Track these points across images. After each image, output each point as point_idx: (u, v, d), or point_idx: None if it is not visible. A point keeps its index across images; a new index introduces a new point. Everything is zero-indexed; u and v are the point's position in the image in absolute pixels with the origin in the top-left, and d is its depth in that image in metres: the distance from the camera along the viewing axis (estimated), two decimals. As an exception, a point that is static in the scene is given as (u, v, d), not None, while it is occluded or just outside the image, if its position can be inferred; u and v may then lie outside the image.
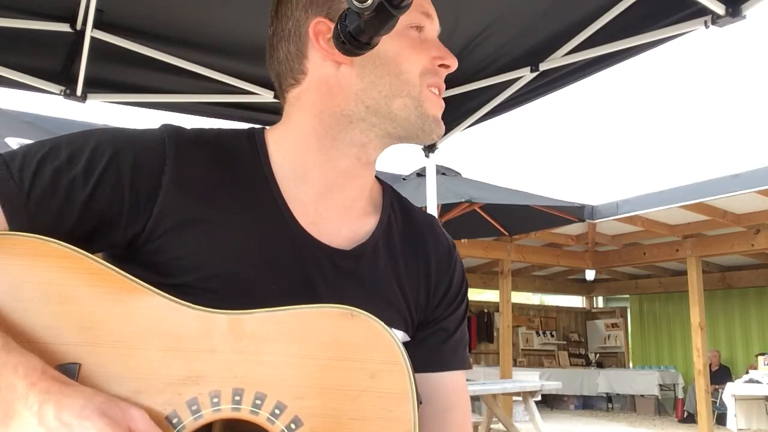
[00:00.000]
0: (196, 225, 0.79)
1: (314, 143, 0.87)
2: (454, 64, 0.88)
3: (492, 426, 7.07)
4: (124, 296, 0.70)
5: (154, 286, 0.71)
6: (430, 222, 1.01)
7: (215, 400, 0.68)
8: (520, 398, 7.33)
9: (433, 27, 0.89)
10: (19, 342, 0.67)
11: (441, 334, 0.95)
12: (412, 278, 0.93)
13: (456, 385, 0.95)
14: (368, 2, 0.64)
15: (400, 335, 0.89)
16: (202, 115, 3.17)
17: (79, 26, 2.49)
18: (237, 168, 0.85)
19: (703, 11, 2.28)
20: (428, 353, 0.93)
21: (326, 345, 0.71)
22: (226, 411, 0.68)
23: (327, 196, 0.88)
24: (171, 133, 0.83)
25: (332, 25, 0.81)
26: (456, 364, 0.96)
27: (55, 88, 2.83)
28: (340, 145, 0.86)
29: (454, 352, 0.96)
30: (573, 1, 2.45)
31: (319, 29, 0.84)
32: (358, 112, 0.85)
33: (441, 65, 0.87)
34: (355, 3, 0.65)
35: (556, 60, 2.71)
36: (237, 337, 0.70)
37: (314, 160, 0.87)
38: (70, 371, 0.67)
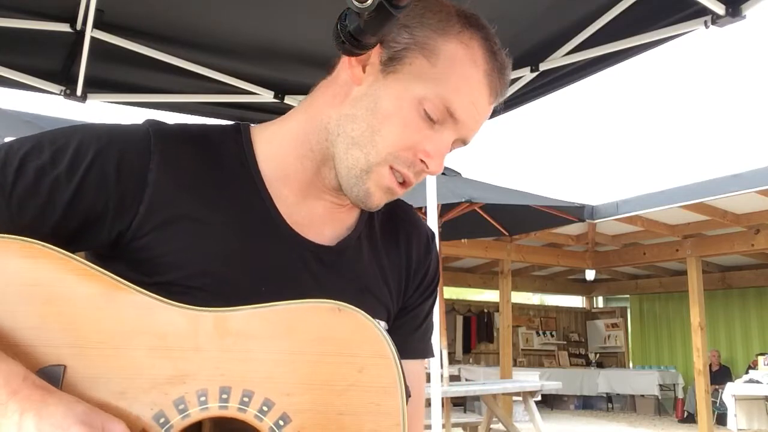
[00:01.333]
0: (183, 222, 0.78)
1: (296, 148, 0.87)
2: (434, 170, 0.82)
3: (492, 426, 7.07)
4: (109, 296, 0.70)
5: (140, 285, 0.71)
6: (410, 211, 1.02)
7: (202, 398, 0.68)
8: (520, 398, 7.33)
9: (452, 130, 0.82)
10: (4, 344, 0.66)
11: (412, 323, 0.97)
12: (393, 268, 0.94)
13: (415, 374, 0.95)
14: (368, 2, 0.64)
15: (382, 325, 0.90)
16: (202, 115, 3.17)
17: (79, 26, 2.49)
18: (223, 164, 0.85)
19: (703, 11, 2.28)
20: (399, 341, 0.93)
21: (313, 340, 0.71)
22: (214, 409, 0.68)
23: (306, 200, 0.88)
24: (155, 129, 0.82)
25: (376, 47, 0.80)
26: (421, 353, 0.97)
27: (55, 88, 2.83)
28: (314, 158, 0.86)
29: (421, 340, 0.98)
30: (573, 1, 2.45)
31: None
32: (332, 133, 0.84)
33: (422, 160, 0.81)
34: (355, 3, 0.65)
35: (556, 60, 2.71)
36: (223, 335, 0.70)
37: (293, 165, 0.87)
38: (55, 373, 0.67)
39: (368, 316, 0.72)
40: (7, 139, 0.78)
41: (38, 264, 0.69)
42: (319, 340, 0.71)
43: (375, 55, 0.81)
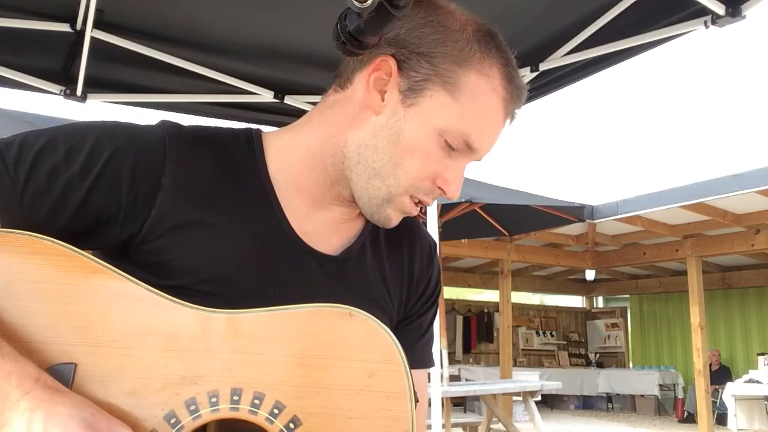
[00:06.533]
0: (194, 227, 0.79)
1: (310, 163, 0.87)
2: (452, 195, 0.85)
3: (492, 426, 7.07)
4: (121, 295, 0.70)
5: (150, 286, 0.71)
6: (414, 220, 1.02)
7: (213, 399, 0.68)
8: (520, 398, 7.34)
9: (468, 157, 0.85)
10: (15, 341, 0.66)
11: (415, 332, 0.98)
12: (395, 277, 0.95)
13: (420, 383, 0.96)
14: (368, 2, 0.64)
15: None
16: (202, 115, 3.17)
17: (79, 26, 2.49)
18: (236, 171, 0.85)
19: (703, 11, 2.28)
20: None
21: (325, 344, 0.71)
22: (225, 411, 0.68)
23: (315, 211, 0.89)
24: (171, 131, 0.82)
25: (394, 69, 0.81)
26: (425, 362, 0.98)
27: (55, 88, 2.83)
28: (328, 176, 0.86)
29: (423, 350, 0.99)
30: (573, 1, 2.45)
31: (381, 65, 0.82)
32: (350, 159, 0.84)
33: (440, 187, 0.85)
34: (355, 3, 0.65)
35: (556, 60, 2.70)
36: (235, 337, 0.70)
37: (306, 179, 0.87)
38: (66, 371, 0.67)
39: (379, 321, 0.72)
40: (9, 139, 0.78)
41: (51, 261, 0.69)
42: (331, 344, 0.71)
43: (393, 83, 0.81)
